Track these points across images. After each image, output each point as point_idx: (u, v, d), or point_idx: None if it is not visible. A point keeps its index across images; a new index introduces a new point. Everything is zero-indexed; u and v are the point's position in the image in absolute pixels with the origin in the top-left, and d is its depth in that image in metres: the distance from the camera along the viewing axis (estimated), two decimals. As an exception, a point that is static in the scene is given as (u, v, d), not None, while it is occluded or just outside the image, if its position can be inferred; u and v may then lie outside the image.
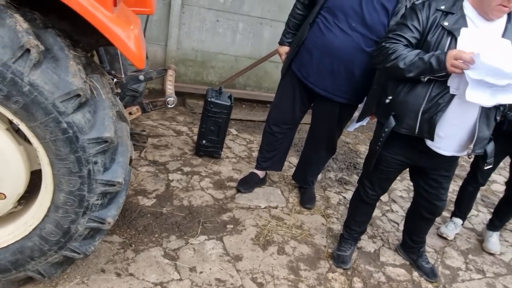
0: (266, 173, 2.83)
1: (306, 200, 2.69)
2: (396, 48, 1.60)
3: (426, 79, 1.59)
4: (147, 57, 2.70)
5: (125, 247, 1.95)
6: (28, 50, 1.11)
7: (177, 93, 3.98)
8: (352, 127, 2.52)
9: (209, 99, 2.83)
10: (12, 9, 1.15)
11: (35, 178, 1.49)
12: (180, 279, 1.83)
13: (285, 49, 2.44)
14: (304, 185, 2.77)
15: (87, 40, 1.49)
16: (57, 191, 1.35)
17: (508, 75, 1.41)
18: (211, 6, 3.97)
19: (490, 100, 1.48)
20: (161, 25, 3.95)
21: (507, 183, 2.60)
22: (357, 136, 4.23)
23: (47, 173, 1.34)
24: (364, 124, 2.49)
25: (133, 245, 1.97)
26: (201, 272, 1.90)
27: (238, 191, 2.64)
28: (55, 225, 1.40)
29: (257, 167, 2.73)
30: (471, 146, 1.70)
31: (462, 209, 2.72)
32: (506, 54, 1.46)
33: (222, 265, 1.97)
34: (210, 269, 1.94)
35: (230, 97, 2.93)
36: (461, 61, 1.46)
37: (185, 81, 4.28)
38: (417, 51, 1.60)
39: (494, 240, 2.61)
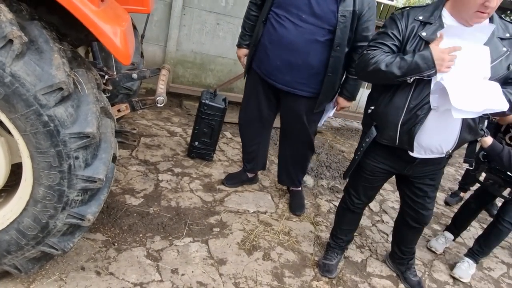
0: (256, 174, 2.83)
1: (296, 207, 2.67)
2: (376, 54, 1.58)
3: (411, 79, 1.55)
4: (142, 56, 2.71)
5: (108, 246, 1.92)
6: (11, 41, 1.10)
7: (174, 94, 4.01)
8: (320, 122, 2.47)
9: (203, 101, 2.82)
10: (-2, -1, 1.14)
11: (19, 172, 1.48)
12: (161, 281, 1.80)
13: (243, 51, 2.47)
14: (291, 186, 2.74)
15: (76, 34, 1.48)
16: (37, 185, 1.33)
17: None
18: (212, 9, 3.98)
19: (477, 106, 1.46)
20: (161, 26, 3.96)
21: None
22: (353, 145, 4.22)
23: (27, 166, 1.32)
24: (331, 115, 2.47)
25: (116, 244, 1.95)
26: (183, 274, 1.88)
27: (222, 183, 2.70)
28: (33, 220, 1.38)
29: (243, 169, 2.77)
30: (450, 150, 1.72)
31: (457, 225, 2.69)
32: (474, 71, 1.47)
33: (205, 268, 1.95)
34: (192, 271, 1.91)
35: (224, 100, 2.93)
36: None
37: (183, 83, 4.28)
38: (397, 54, 1.58)
39: (464, 267, 2.43)
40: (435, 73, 1.49)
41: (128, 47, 1.28)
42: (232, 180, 2.74)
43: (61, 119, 1.23)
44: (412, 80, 1.55)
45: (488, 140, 1.98)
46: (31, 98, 1.17)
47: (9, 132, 1.34)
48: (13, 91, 1.15)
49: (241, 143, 2.76)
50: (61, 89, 1.20)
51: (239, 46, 2.49)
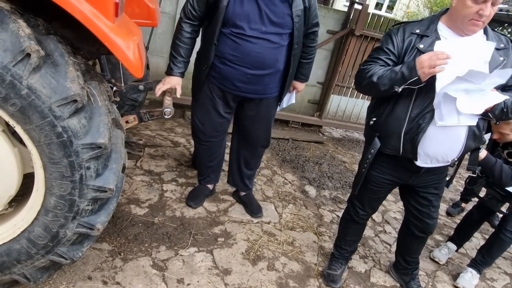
0: (214, 185, 2.75)
1: (255, 209, 2.61)
2: (371, 68, 1.67)
3: (400, 89, 1.59)
4: (148, 68, 2.76)
5: (114, 255, 1.94)
6: (28, 55, 1.14)
7: (177, 105, 4.05)
8: (279, 108, 2.52)
9: (207, 112, 2.85)
10: (16, 14, 1.19)
11: (28, 182, 1.50)
12: (167, 290, 1.82)
13: (176, 80, 2.15)
14: (243, 190, 2.68)
15: (88, 48, 1.53)
16: (48, 194, 1.36)
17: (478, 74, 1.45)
18: (215, 21, 4.04)
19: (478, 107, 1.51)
20: (165, 38, 4.02)
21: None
22: (354, 156, 4.25)
23: (39, 176, 1.35)
24: (293, 101, 2.53)
25: (122, 254, 1.96)
26: (188, 284, 1.89)
27: (189, 206, 2.52)
28: (44, 229, 1.41)
29: (202, 184, 2.66)
30: (455, 158, 1.75)
31: (460, 236, 2.71)
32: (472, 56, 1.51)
33: (210, 278, 1.96)
34: (198, 281, 1.92)
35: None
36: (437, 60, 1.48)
37: (186, 94, 4.32)
38: (390, 67, 1.65)
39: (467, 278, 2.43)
40: (420, 80, 1.53)
41: (141, 61, 1.32)
42: (197, 199, 2.57)
43: (74, 130, 1.26)
44: (400, 90, 1.60)
45: (482, 154, 2.03)
46: (46, 110, 1.20)
47: (22, 143, 1.38)
48: (29, 103, 1.18)
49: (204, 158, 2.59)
50: (75, 101, 1.23)
51: (172, 74, 2.14)
